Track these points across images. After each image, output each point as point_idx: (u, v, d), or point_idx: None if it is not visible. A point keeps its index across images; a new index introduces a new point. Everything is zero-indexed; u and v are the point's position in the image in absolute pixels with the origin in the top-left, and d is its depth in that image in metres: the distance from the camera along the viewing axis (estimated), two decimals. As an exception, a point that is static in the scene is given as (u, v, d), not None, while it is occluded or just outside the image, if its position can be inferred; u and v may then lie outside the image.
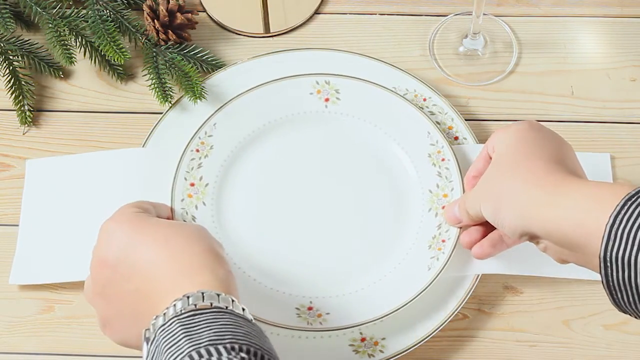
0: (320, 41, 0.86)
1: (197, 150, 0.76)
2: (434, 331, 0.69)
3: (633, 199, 0.52)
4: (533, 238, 0.60)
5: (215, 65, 0.83)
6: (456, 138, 0.77)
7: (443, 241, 0.71)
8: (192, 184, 0.75)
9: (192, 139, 0.76)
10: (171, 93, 0.80)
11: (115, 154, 0.78)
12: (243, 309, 0.54)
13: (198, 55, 0.82)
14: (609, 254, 0.52)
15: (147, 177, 0.76)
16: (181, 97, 0.80)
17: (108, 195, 0.76)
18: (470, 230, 0.69)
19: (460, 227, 0.70)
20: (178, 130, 0.78)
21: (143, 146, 0.78)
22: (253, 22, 0.87)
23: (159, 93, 0.80)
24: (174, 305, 0.52)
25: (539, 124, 0.66)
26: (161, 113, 0.80)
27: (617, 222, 0.51)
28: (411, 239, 0.73)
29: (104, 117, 0.82)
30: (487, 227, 0.68)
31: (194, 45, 0.83)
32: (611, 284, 0.53)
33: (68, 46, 0.81)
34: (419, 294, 0.69)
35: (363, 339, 0.69)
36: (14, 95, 0.81)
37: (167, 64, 0.81)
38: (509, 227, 0.61)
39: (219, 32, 0.87)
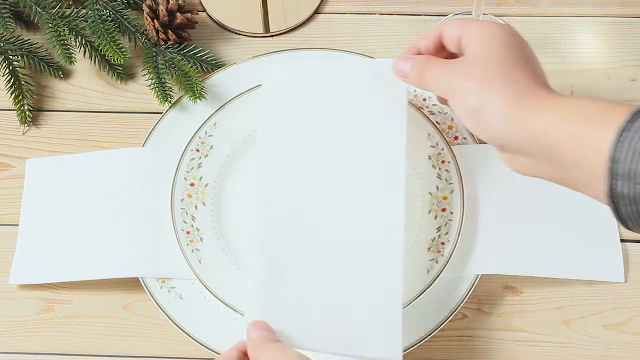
0: (320, 41, 0.86)
1: (197, 150, 0.76)
2: (434, 331, 0.69)
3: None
4: (505, 147, 0.58)
5: (215, 65, 0.83)
6: (456, 138, 0.77)
7: (442, 244, 0.71)
8: (192, 184, 0.75)
9: (192, 139, 0.76)
10: (171, 93, 0.80)
11: (115, 154, 0.78)
12: None
13: (198, 55, 0.82)
14: (616, 166, 0.50)
15: (147, 177, 0.76)
16: (181, 97, 0.80)
17: (108, 195, 0.76)
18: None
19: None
20: (178, 130, 0.78)
21: (143, 146, 0.78)
22: (253, 22, 0.87)
23: (159, 93, 0.80)
24: None
25: (516, 31, 0.62)
26: (161, 113, 0.80)
27: (626, 133, 0.50)
28: (411, 241, 0.73)
29: (104, 117, 0.82)
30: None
31: (194, 45, 0.83)
32: (618, 195, 0.51)
33: (68, 46, 0.81)
34: (418, 297, 0.69)
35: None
36: (14, 95, 0.81)
37: (167, 64, 0.81)
38: (485, 130, 0.58)
39: (219, 32, 0.87)
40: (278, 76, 0.73)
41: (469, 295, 0.71)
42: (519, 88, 0.57)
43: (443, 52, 0.64)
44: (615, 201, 0.52)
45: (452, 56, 0.63)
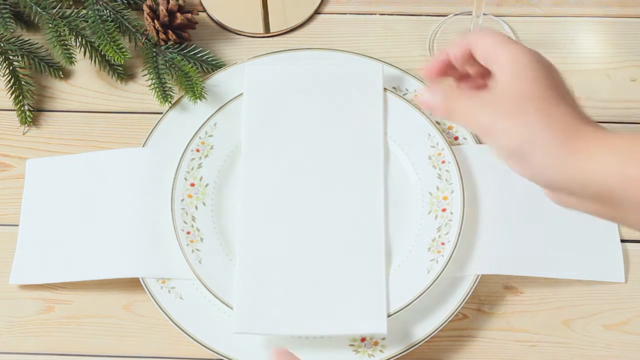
0: (320, 41, 0.86)
1: (198, 150, 0.76)
2: (434, 331, 0.69)
3: None
4: (555, 190, 0.55)
5: (215, 65, 0.83)
6: (456, 138, 0.77)
7: (442, 244, 0.71)
8: (192, 184, 0.75)
9: (192, 139, 0.76)
10: (171, 93, 0.80)
11: (115, 154, 0.78)
12: None
13: (198, 55, 0.82)
14: None
15: (147, 177, 0.76)
16: (181, 97, 0.80)
17: (108, 195, 0.76)
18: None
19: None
20: (178, 130, 0.78)
21: (143, 146, 0.78)
22: (253, 22, 0.87)
23: (159, 93, 0.80)
24: None
25: (544, 57, 0.59)
26: (161, 113, 0.80)
27: None
28: (411, 241, 0.73)
29: (104, 117, 0.82)
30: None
31: (194, 45, 0.83)
32: None
33: (68, 46, 0.81)
34: (418, 297, 0.69)
35: (363, 339, 0.69)
36: (14, 95, 0.81)
37: (167, 64, 0.81)
38: (532, 174, 0.55)
39: (219, 32, 0.87)
40: (259, 78, 0.78)
41: (469, 295, 0.71)
42: (564, 128, 0.54)
43: (473, 64, 0.61)
44: None
45: (482, 69, 0.61)
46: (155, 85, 0.80)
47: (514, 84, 0.56)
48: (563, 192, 0.55)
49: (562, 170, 0.53)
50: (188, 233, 0.73)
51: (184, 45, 0.83)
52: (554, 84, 0.56)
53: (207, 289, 0.70)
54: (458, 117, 0.58)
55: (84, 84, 0.84)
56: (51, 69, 0.84)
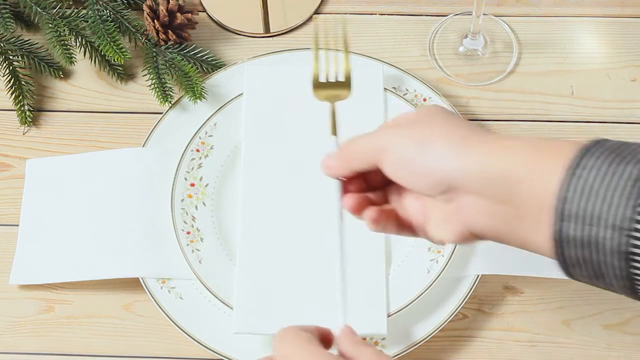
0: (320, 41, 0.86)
1: (198, 150, 0.76)
2: (434, 331, 0.69)
3: (590, 150, 0.48)
4: (450, 190, 0.54)
5: (215, 65, 0.83)
6: (456, 138, 0.77)
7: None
8: (192, 184, 0.75)
9: (192, 139, 0.76)
10: (171, 93, 0.80)
11: (115, 154, 0.78)
12: None
13: (198, 55, 0.82)
14: (566, 206, 0.48)
15: (147, 177, 0.76)
16: (181, 97, 0.80)
17: (108, 195, 0.76)
18: (358, 195, 0.60)
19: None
20: (178, 130, 0.78)
21: (143, 146, 0.78)
22: (253, 22, 0.87)
23: (159, 93, 0.80)
24: None
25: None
26: (161, 113, 0.80)
27: (576, 171, 0.48)
28: (410, 241, 0.73)
29: (104, 117, 0.82)
30: (364, 185, 0.61)
31: (194, 45, 0.83)
32: (564, 239, 0.49)
33: (68, 46, 0.81)
34: (418, 297, 0.69)
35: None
36: (14, 95, 0.81)
37: (167, 64, 0.81)
38: (426, 174, 0.54)
39: (219, 32, 0.87)
40: (259, 78, 0.78)
41: (469, 295, 0.71)
42: (464, 127, 0.54)
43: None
44: (561, 244, 0.49)
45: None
46: (155, 85, 0.80)
47: (410, 117, 0.57)
48: (464, 196, 0.53)
49: (465, 163, 0.52)
50: (188, 233, 0.73)
51: (184, 45, 0.83)
52: (449, 114, 0.57)
53: (207, 289, 0.70)
54: (358, 155, 0.58)
55: (84, 84, 0.84)
56: (51, 69, 0.84)
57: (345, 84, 0.68)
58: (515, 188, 0.51)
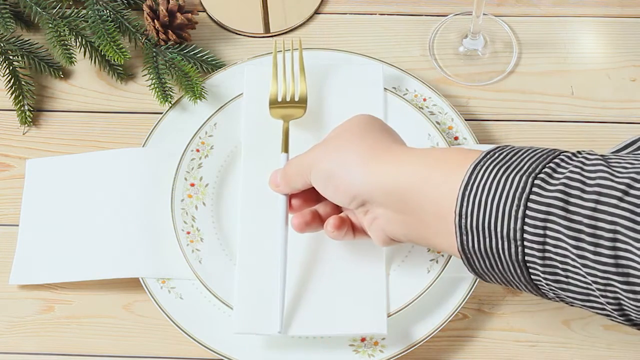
0: (320, 41, 0.86)
1: (197, 150, 0.76)
2: (434, 331, 0.69)
3: (480, 164, 0.51)
4: (365, 203, 0.59)
5: (215, 65, 0.83)
6: (456, 138, 0.77)
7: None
8: (192, 184, 0.75)
9: (192, 139, 0.76)
10: (171, 93, 0.80)
11: (115, 154, 0.78)
12: None
13: (198, 55, 0.82)
14: (463, 221, 0.51)
15: (147, 177, 0.76)
16: (181, 97, 0.80)
17: (108, 195, 0.76)
18: (303, 213, 0.66)
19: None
20: (178, 130, 0.79)
21: (143, 146, 0.78)
22: (253, 22, 0.87)
23: (159, 93, 0.80)
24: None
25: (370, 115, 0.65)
26: (161, 113, 0.80)
27: (470, 187, 0.51)
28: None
29: (104, 117, 0.82)
30: (311, 202, 0.67)
31: (194, 45, 0.83)
32: (469, 251, 0.52)
33: (68, 46, 0.81)
34: (418, 297, 0.69)
35: (363, 339, 0.69)
36: (14, 95, 0.81)
37: (167, 64, 0.81)
38: (343, 190, 0.59)
39: (219, 32, 0.87)
40: (259, 78, 0.78)
41: (469, 295, 0.71)
42: (375, 146, 0.58)
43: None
44: (467, 255, 0.52)
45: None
46: (155, 85, 0.80)
47: (338, 130, 0.63)
48: (376, 208, 0.58)
49: (369, 178, 0.57)
50: (188, 233, 0.73)
51: (184, 45, 0.83)
52: (375, 122, 0.62)
53: (207, 289, 0.70)
54: (293, 175, 0.64)
55: (84, 84, 0.84)
56: (51, 69, 0.84)
57: (300, 104, 0.71)
58: (411, 200, 0.55)
